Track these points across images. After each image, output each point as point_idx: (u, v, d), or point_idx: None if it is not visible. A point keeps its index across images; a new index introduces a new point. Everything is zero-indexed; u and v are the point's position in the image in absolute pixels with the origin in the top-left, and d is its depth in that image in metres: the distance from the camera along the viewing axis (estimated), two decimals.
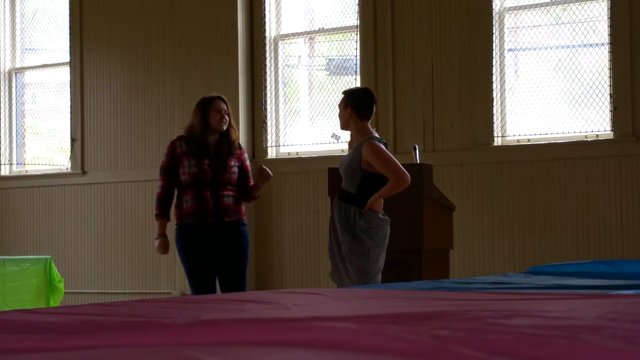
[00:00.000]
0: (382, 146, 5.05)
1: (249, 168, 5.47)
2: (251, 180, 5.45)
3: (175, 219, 5.37)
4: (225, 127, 5.30)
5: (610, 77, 7.21)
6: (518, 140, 7.57)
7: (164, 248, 5.37)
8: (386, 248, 5.07)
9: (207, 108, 5.29)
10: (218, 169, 5.24)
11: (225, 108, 5.32)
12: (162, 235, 5.37)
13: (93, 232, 9.38)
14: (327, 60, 8.78)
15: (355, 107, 5.08)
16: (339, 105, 5.19)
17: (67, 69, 9.66)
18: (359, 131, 5.10)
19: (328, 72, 8.78)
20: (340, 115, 5.16)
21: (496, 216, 7.54)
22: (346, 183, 5.07)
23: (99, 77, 9.41)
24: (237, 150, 5.37)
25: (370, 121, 5.19)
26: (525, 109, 7.60)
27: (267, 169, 5.33)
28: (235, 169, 5.30)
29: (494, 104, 7.60)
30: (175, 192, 5.40)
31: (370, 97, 5.15)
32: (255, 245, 8.53)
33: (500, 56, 7.65)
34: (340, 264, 5.07)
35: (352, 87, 5.41)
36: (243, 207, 5.39)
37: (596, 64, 7.35)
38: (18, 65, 10.22)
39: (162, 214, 5.38)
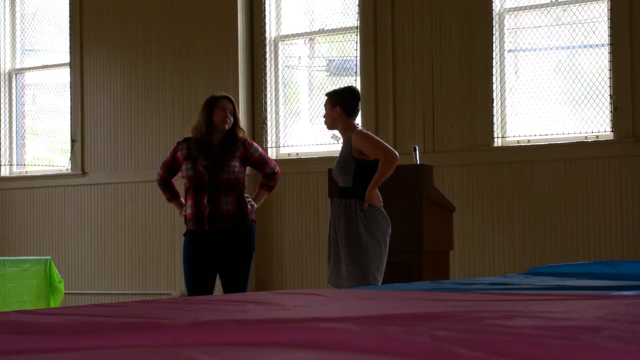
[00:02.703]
0: (370, 132, 5.25)
1: (262, 157, 5.43)
2: (268, 165, 5.45)
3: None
4: (228, 127, 5.28)
5: (610, 78, 7.21)
6: (518, 141, 7.57)
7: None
8: (388, 247, 5.06)
9: (212, 106, 5.29)
10: (215, 170, 5.21)
11: (231, 108, 5.32)
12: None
13: (93, 233, 9.38)
14: (327, 61, 8.78)
15: (343, 106, 5.20)
16: (325, 105, 5.29)
17: (67, 70, 9.67)
18: (347, 128, 5.22)
19: (328, 73, 8.78)
20: (328, 116, 5.27)
21: (496, 217, 7.54)
22: (343, 179, 5.12)
23: (99, 78, 9.41)
24: (241, 148, 5.31)
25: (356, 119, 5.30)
26: (525, 110, 7.60)
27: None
28: (236, 169, 5.26)
29: (494, 104, 7.60)
30: (174, 184, 5.51)
31: (357, 96, 5.31)
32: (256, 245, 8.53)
33: (500, 57, 7.66)
34: (339, 264, 5.05)
35: (335, 88, 5.49)
36: (249, 208, 5.33)
37: (596, 65, 7.35)
38: (18, 66, 10.22)
39: (173, 195, 5.50)
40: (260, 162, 5.44)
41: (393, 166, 5.03)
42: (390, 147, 5.13)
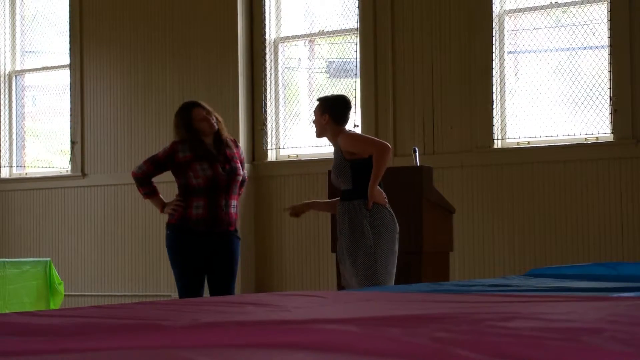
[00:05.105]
0: (354, 131, 5.15)
1: (244, 160, 5.44)
2: (243, 169, 5.39)
3: (173, 220, 5.24)
4: (217, 127, 5.25)
5: (610, 79, 7.22)
6: (518, 143, 7.58)
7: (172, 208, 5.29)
8: (398, 244, 5.03)
9: (190, 121, 5.21)
10: (231, 173, 5.22)
11: (206, 111, 5.25)
12: (165, 205, 5.29)
13: (93, 235, 9.38)
14: (327, 63, 8.78)
15: (332, 114, 5.13)
16: (315, 112, 5.21)
17: (67, 72, 9.67)
18: (335, 135, 5.15)
19: (328, 75, 8.78)
20: (317, 122, 5.20)
21: (496, 218, 7.54)
22: (343, 183, 5.10)
23: (98, 79, 9.41)
24: (236, 148, 5.34)
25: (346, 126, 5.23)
26: (525, 112, 7.60)
27: None
28: (241, 171, 5.32)
29: (494, 106, 7.60)
30: (156, 177, 5.36)
31: (347, 104, 5.21)
32: (255, 247, 8.53)
33: (500, 58, 7.66)
34: (347, 268, 5.02)
35: (327, 94, 5.45)
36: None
37: (596, 67, 7.35)
38: (18, 68, 10.22)
39: (152, 192, 5.32)
40: (242, 165, 5.40)
41: (388, 158, 4.99)
42: (379, 140, 5.12)
